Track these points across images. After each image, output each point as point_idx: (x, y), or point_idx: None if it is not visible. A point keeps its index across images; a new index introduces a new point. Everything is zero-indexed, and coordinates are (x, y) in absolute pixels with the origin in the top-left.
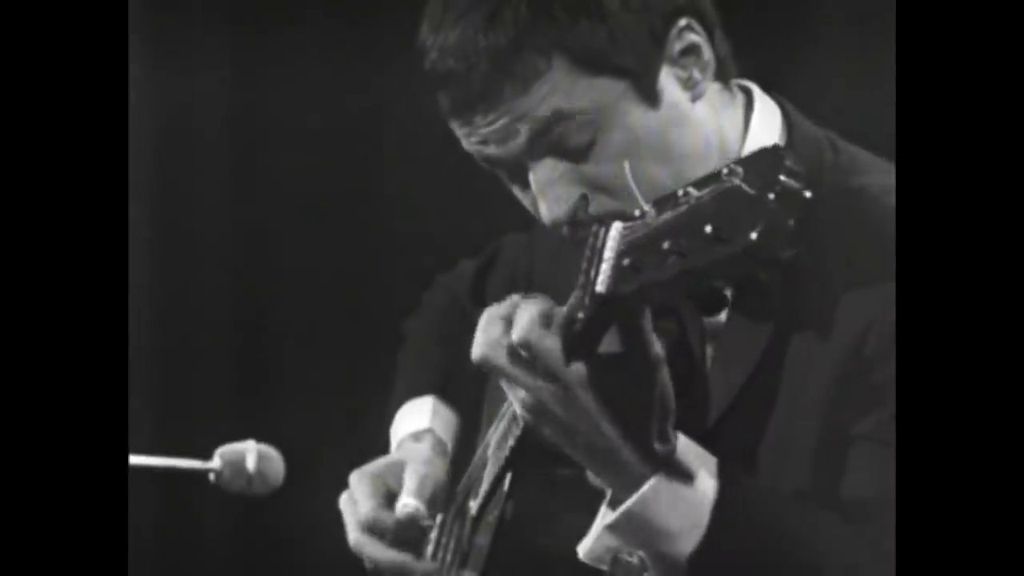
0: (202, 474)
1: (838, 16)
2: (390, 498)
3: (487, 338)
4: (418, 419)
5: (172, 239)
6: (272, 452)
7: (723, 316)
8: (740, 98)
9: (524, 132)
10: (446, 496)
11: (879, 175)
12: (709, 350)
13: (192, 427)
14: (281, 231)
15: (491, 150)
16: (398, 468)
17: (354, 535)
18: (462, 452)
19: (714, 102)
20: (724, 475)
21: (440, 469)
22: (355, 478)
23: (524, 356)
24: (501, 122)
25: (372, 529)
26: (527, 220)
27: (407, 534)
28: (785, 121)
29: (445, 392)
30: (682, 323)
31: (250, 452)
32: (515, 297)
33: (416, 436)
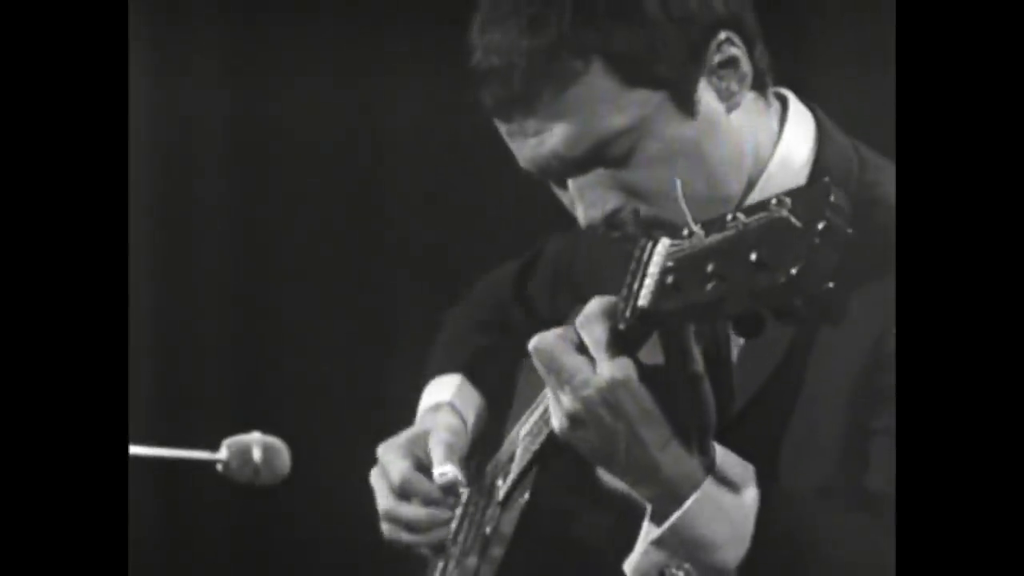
0: (209, 465)
1: (838, 21)
2: (419, 465)
3: (553, 334)
4: (440, 393)
5: (177, 229)
6: (278, 443)
7: None
8: (775, 106)
9: (565, 153)
10: (470, 469)
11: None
12: (734, 341)
13: (200, 419)
14: (287, 223)
15: (537, 162)
16: (422, 439)
17: (386, 501)
18: (485, 433)
19: (750, 111)
20: (763, 483)
21: (461, 437)
22: (383, 449)
23: (583, 343)
24: (542, 135)
25: (405, 493)
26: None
27: (445, 499)
28: (817, 131)
29: (474, 374)
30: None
31: (256, 443)
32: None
33: (435, 407)
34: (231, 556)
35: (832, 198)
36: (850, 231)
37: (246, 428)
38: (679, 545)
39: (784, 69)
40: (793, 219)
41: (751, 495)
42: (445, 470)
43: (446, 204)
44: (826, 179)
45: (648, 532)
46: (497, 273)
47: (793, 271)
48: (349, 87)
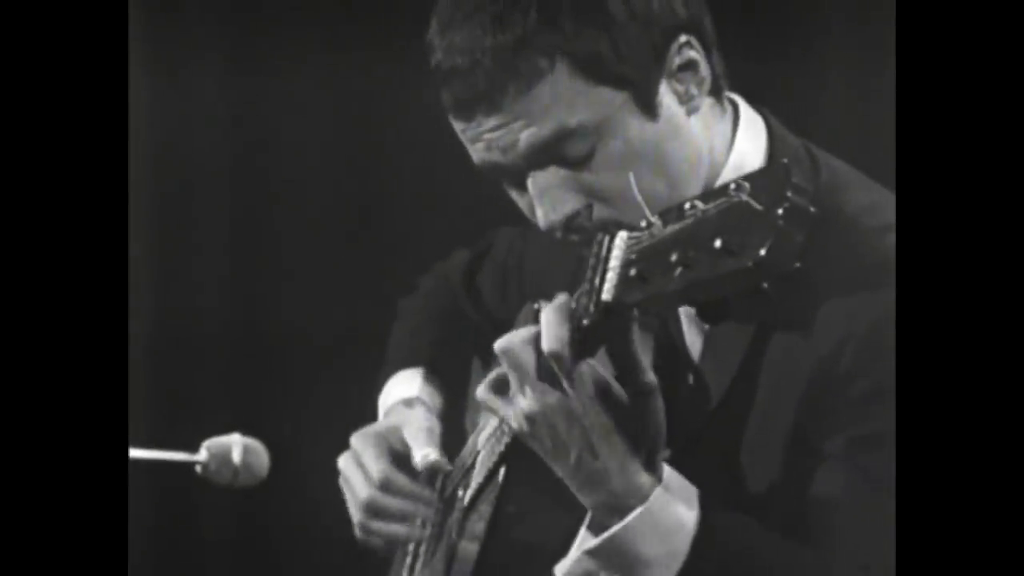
0: (189, 466)
1: (838, 27)
2: (396, 457)
3: (520, 336)
4: (408, 387)
5: (165, 239)
6: (257, 445)
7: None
8: (729, 111)
9: (525, 145)
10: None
11: (856, 192)
12: (691, 345)
13: (179, 420)
14: (271, 227)
15: (494, 156)
16: (397, 431)
17: (367, 492)
18: (445, 431)
19: (707, 116)
20: (704, 507)
21: (438, 429)
22: (358, 439)
23: (548, 360)
24: (503, 130)
25: (387, 487)
26: (522, 215)
27: (423, 494)
28: (768, 135)
29: (435, 368)
30: (663, 318)
31: (235, 445)
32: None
33: (408, 402)
34: (212, 554)
35: (793, 178)
36: (813, 210)
37: (225, 430)
38: (613, 557)
39: (784, 70)
40: (753, 202)
41: (692, 517)
42: (427, 451)
43: (441, 207)
44: (784, 160)
45: (584, 540)
46: (447, 264)
47: (760, 254)
48: (349, 86)
